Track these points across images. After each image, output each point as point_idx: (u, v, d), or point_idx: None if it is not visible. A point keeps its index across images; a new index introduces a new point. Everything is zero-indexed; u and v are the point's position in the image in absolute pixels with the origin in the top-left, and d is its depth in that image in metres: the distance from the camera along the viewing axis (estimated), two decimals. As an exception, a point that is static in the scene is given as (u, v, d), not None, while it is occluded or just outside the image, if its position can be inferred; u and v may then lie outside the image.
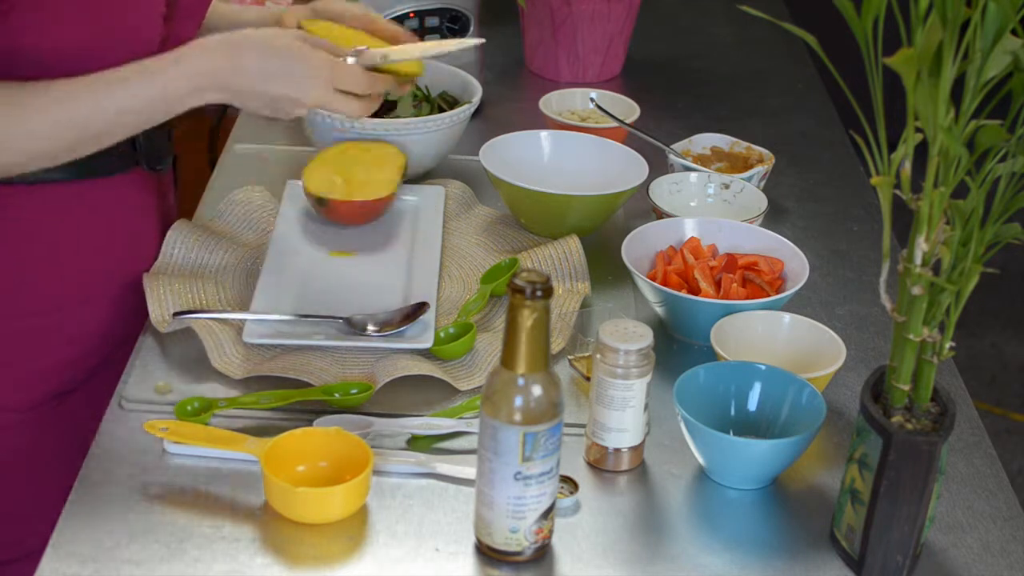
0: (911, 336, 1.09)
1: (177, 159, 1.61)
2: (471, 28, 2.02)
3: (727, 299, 1.46)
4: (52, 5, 1.28)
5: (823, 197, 1.86)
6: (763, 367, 1.32)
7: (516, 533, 1.14)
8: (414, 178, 1.75)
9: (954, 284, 1.07)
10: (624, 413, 1.26)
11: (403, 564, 1.16)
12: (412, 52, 1.49)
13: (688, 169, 1.75)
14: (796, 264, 1.52)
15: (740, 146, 1.83)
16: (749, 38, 2.42)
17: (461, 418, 1.32)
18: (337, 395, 1.33)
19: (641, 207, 1.70)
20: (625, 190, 1.64)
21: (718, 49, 2.39)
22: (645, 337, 1.25)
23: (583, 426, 1.31)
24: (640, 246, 1.54)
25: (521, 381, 1.10)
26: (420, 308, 1.44)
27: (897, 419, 1.12)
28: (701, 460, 1.28)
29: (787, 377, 1.30)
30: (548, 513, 1.15)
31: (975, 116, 1.03)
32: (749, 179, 1.73)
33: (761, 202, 1.67)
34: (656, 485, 1.28)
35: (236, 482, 1.24)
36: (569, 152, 1.77)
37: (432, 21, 1.98)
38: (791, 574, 1.18)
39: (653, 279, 1.49)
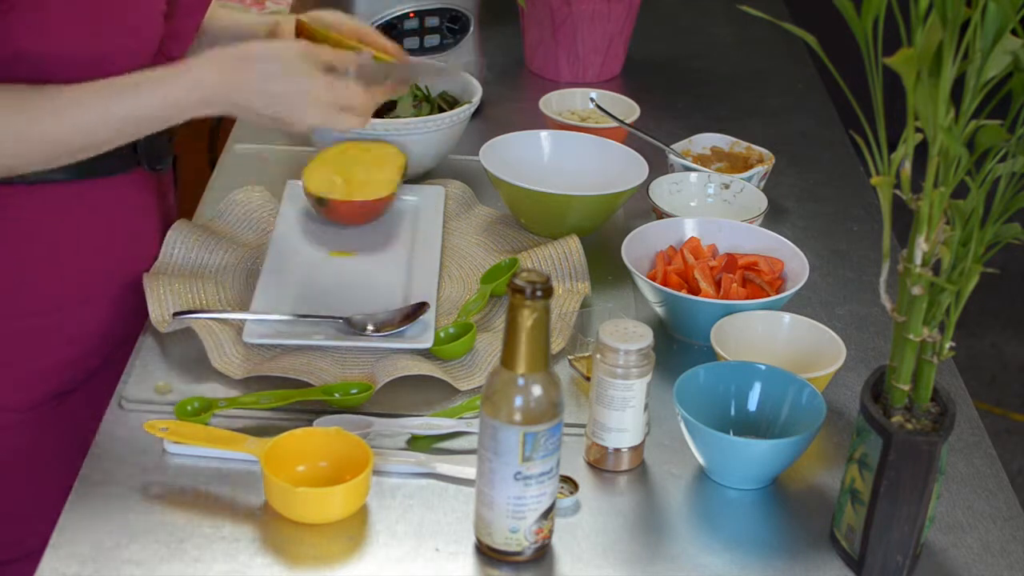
0: (911, 336, 1.09)
1: (177, 159, 1.61)
2: (471, 28, 2.02)
3: (727, 299, 1.46)
4: (52, 5, 1.29)
5: (823, 197, 1.86)
6: (763, 367, 1.32)
7: (516, 533, 1.14)
8: (414, 178, 1.75)
9: (954, 284, 1.07)
10: (624, 413, 1.26)
11: (403, 564, 1.16)
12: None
13: (688, 169, 1.75)
14: (796, 264, 1.52)
15: (740, 146, 1.83)
16: (749, 38, 2.42)
17: (461, 418, 1.32)
18: (337, 395, 1.33)
19: (641, 207, 1.70)
20: (625, 190, 1.64)
21: (718, 49, 2.39)
22: (645, 337, 1.25)
23: (583, 426, 1.31)
24: (640, 246, 1.54)
25: (521, 381, 1.10)
26: (420, 308, 1.44)
27: (897, 419, 1.12)
28: (701, 460, 1.28)
29: (787, 377, 1.30)
30: (548, 513, 1.15)
31: (975, 116, 1.03)
32: (749, 179, 1.73)
33: (761, 202, 1.67)
34: (656, 485, 1.28)
35: (236, 482, 1.24)
36: (569, 152, 1.77)
37: (432, 21, 1.98)
38: (791, 574, 1.18)
39: (653, 279, 1.49)
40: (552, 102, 1.93)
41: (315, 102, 1.37)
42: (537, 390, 1.11)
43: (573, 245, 1.59)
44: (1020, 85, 1.01)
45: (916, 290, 1.07)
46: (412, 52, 1.96)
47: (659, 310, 1.50)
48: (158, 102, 1.32)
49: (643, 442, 1.29)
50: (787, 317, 1.43)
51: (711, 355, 1.38)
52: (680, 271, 1.51)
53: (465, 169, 1.81)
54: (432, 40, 1.99)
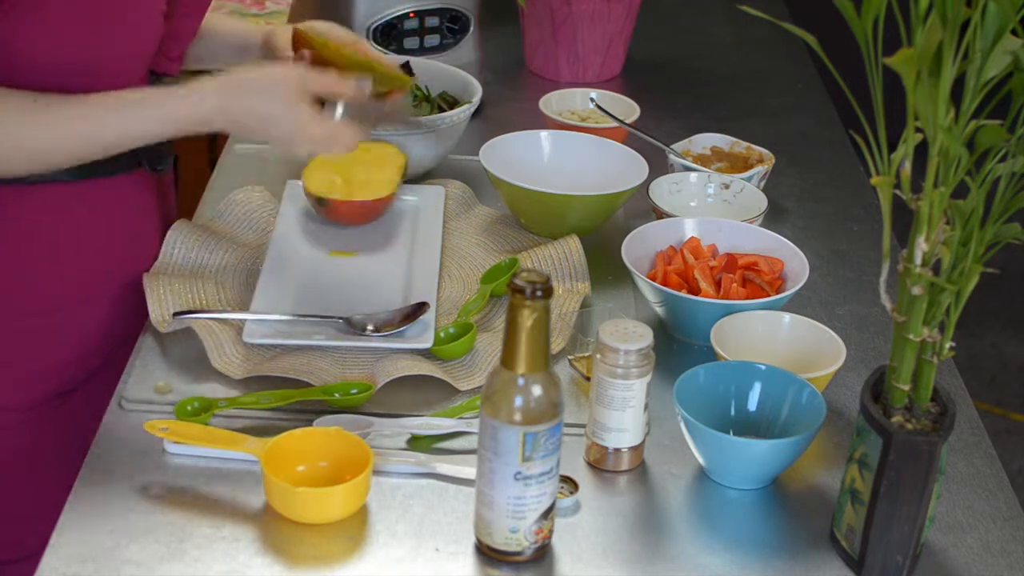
0: (911, 336, 1.09)
1: (177, 159, 1.61)
2: (471, 28, 2.02)
3: (727, 299, 1.46)
4: (53, 5, 1.29)
5: (823, 197, 1.86)
6: (763, 367, 1.32)
7: (516, 533, 1.14)
8: (414, 178, 1.75)
9: (954, 284, 1.07)
10: (624, 413, 1.26)
11: (403, 564, 1.16)
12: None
13: (688, 169, 1.75)
14: (796, 264, 1.52)
15: (740, 146, 1.83)
16: (749, 38, 2.42)
17: (461, 418, 1.32)
18: (337, 395, 1.33)
19: (641, 207, 1.70)
20: (625, 190, 1.64)
21: (718, 49, 2.39)
22: (645, 337, 1.25)
23: (583, 426, 1.31)
24: (640, 246, 1.54)
25: (521, 381, 1.10)
26: (420, 308, 1.44)
27: (897, 419, 1.12)
28: (701, 460, 1.28)
29: (787, 377, 1.30)
30: (548, 513, 1.15)
31: (975, 116, 1.03)
32: (749, 179, 1.73)
33: (761, 202, 1.67)
34: (656, 485, 1.28)
35: (236, 482, 1.24)
36: (569, 152, 1.77)
37: (432, 21, 1.98)
38: (791, 574, 1.18)
39: (653, 279, 1.49)
40: (552, 102, 1.93)
41: (302, 133, 1.38)
42: (537, 390, 1.11)
43: (573, 245, 1.59)
44: (1020, 85, 1.01)
45: (916, 290, 1.07)
46: (412, 52, 1.96)
47: (659, 310, 1.50)
48: (163, 115, 1.34)
49: (643, 442, 1.29)
50: (787, 317, 1.43)
51: (711, 355, 1.38)
52: (680, 271, 1.51)
53: (465, 169, 1.81)
54: (432, 40, 1.99)
